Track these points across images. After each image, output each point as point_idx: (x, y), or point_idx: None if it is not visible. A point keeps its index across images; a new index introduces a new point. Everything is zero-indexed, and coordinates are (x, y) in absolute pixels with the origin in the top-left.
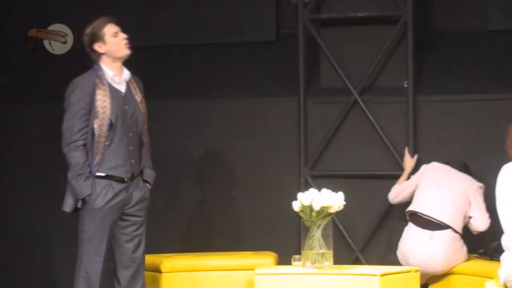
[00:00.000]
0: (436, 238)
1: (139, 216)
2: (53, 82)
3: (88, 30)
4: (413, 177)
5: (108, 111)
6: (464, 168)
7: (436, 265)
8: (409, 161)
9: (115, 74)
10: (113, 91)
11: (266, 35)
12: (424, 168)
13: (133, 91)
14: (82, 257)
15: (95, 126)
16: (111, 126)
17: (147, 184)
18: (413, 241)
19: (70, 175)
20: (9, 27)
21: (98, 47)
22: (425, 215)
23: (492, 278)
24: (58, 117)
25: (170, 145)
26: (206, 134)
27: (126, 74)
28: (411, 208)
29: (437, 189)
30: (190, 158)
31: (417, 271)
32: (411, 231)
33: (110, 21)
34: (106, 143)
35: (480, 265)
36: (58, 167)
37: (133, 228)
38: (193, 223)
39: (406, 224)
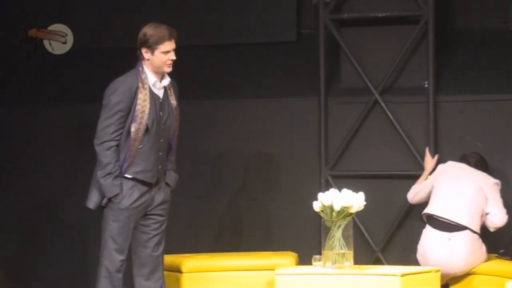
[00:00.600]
0: (454, 240)
1: (161, 216)
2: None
3: (147, 32)
4: (429, 177)
5: (146, 116)
6: (480, 163)
7: (456, 266)
8: (429, 161)
9: (157, 80)
10: (152, 96)
11: (286, 36)
12: (440, 168)
13: (170, 97)
14: (104, 257)
15: (132, 129)
16: (147, 131)
17: (169, 187)
18: (431, 244)
19: (99, 173)
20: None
21: (145, 52)
22: (441, 217)
23: None
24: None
25: (191, 145)
26: (226, 134)
27: (166, 80)
28: (427, 210)
29: (452, 189)
30: (211, 158)
31: (437, 271)
32: (428, 233)
33: (170, 39)
34: (139, 147)
35: (500, 265)
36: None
37: (155, 226)
38: (213, 223)
39: (424, 226)
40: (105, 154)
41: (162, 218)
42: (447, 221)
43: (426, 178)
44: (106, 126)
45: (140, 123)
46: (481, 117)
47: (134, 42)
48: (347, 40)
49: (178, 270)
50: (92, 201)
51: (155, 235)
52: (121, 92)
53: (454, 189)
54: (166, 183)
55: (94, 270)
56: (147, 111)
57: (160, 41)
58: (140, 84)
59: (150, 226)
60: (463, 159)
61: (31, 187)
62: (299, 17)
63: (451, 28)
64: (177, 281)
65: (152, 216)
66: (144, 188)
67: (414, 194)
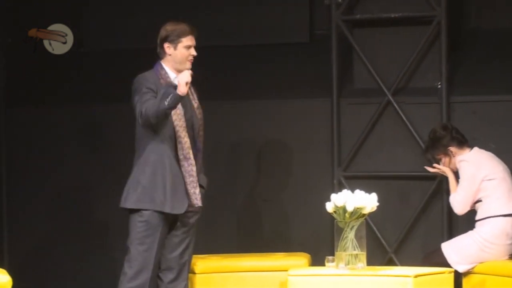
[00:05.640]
0: None
1: (191, 218)
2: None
3: (169, 27)
4: (467, 178)
5: (180, 105)
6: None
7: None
8: (442, 167)
9: (176, 77)
10: None
11: (299, 37)
12: (470, 162)
13: (191, 96)
14: (130, 258)
15: (175, 123)
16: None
17: (202, 189)
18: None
19: (153, 110)
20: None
21: (167, 47)
22: None
23: None
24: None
25: (203, 146)
26: (239, 135)
27: None
28: (499, 212)
29: (506, 181)
30: (223, 160)
31: (450, 272)
32: (499, 218)
33: (191, 33)
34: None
35: None
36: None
37: (184, 229)
38: (226, 225)
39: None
40: (146, 107)
41: (192, 221)
42: None
43: (457, 181)
44: (144, 101)
45: (180, 113)
46: (494, 118)
47: (137, 44)
48: (359, 41)
49: (191, 271)
50: (129, 201)
51: (184, 238)
52: (146, 80)
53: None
54: (200, 185)
55: (115, 271)
56: (179, 103)
57: (182, 34)
58: (162, 80)
59: (179, 229)
60: (464, 143)
61: (40, 186)
62: (312, 18)
63: (464, 28)
64: (191, 282)
65: (182, 218)
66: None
67: (464, 203)
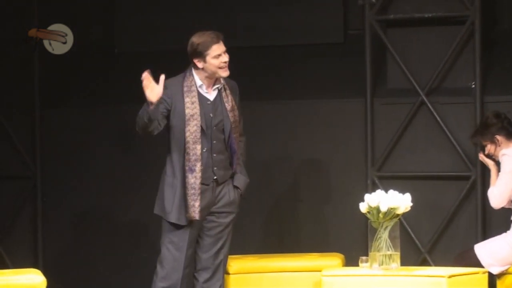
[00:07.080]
0: None
1: (225, 218)
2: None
3: (195, 41)
4: (508, 172)
5: (198, 117)
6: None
7: None
8: (486, 159)
9: (203, 84)
10: (201, 98)
11: (333, 37)
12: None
13: (224, 99)
14: (161, 258)
15: (187, 134)
16: (203, 132)
17: (238, 190)
18: None
19: (138, 120)
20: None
21: (197, 62)
22: None
23: None
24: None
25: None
26: (273, 135)
27: (219, 83)
28: None
29: None
30: (256, 160)
31: (484, 272)
32: None
33: (217, 42)
34: (204, 150)
35: None
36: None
37: (218, 229)
38: (260, 225)
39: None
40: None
41: (226, 222)
42: None
43: (497, 175)
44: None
45: (195, 125)
46: None
47: (170, 45)
48: (393, 40)
49: (226, 272)
50: (155, 208)
51: (218, 239)
52: (167, 88)
53: None
54: (235, 186)
55: (147, 273)
56: (198, 112)
57: (208, 46)
58: (185, 88)
59: (214, 229)
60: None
61: None
62: (346, 18)
63: (497, 28)
64: (224, 282)
65: (215, 219)
66: (203, 188)
67: (501, 197)
